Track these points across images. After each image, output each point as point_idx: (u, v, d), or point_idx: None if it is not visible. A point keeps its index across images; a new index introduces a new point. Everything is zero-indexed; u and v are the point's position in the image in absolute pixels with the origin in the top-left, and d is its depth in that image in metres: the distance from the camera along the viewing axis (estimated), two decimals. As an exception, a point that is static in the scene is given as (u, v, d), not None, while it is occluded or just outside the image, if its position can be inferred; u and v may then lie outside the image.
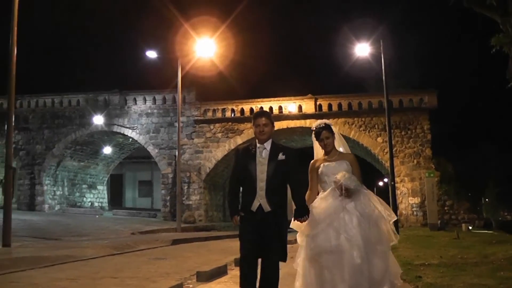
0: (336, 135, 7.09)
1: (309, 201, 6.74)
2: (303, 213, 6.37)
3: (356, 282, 6.09)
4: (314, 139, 7.11)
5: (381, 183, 68.30)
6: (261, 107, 37.95)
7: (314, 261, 6.37)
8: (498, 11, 13.89)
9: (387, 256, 6.44)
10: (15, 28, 18.17)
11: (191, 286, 9.43)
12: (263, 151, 6.48)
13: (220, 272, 11.03)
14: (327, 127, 6.99)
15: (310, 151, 7.42)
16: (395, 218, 6.80)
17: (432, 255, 13.85)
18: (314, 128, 7.07)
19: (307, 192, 6.91)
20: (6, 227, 17.00)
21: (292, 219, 6.51)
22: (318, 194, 6.88)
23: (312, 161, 7.12)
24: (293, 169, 6.56)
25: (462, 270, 10.74)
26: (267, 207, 6.29)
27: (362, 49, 30.22)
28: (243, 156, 6.57)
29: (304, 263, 6.49)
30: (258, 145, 6.53)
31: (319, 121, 7.13)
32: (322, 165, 6.91)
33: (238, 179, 6.60)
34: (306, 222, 6.44)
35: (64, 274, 10.73)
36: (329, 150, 6.96)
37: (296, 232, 6.71)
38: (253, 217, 6.32)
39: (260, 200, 6.31)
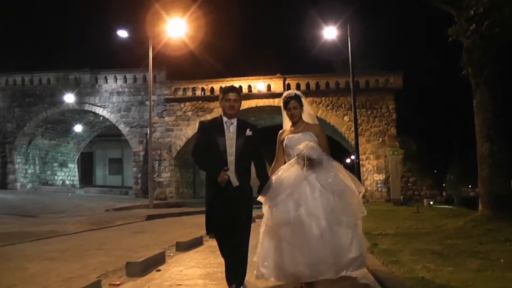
0: (305, 107, 7.01)
1: (273, 172, 6.80)
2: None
3: (317, 255, 6.07)
4: (282, 108, 7.06)
5: (348, 160, 69.56)
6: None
7: (274, 232, 6.36)
8: (453, 5, 14.88)
9: (354, 228, 6.40)
10: None
11: (172, 254, 10.27)
12: (231, 126, 6.51)
13: (196, 243, 11.90)
14: (296, 97, 6.93)
15: (278, 129, 7.37)
16: (363, 190, 6.92)
17: (390, 226, 14.99)
18: (283, 96, 7.02)
19: (273, 163, 6.99)
20: (-13, 205, 17.52)
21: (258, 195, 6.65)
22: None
23: (279, 132, 7.12)
24: (258, 146, 6.68)
25: (414, 238, 11.84)
26: (235, 182, 6.35)
27: (330, 32, 31.22)
28: (211, 130, 6.54)
29: (264, 234, 6.54)
30: (225, 119, 6.55)
31: (289, 91, 7.08)
32: (287, 137, 6.89)
33: (204, 150, 6.55)
34: (267, 192, 6.50)
35: (52, 247, 11.51)
36: (296, 121, 6.92)
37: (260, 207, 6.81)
38: (221, 191, 6.34)
39: (230, 174, 6.33)
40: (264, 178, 6.58)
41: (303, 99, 6.97)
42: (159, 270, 8.28)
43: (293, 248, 6.13)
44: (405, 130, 37.67)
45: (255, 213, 6.90)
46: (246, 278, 6.52)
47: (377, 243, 10.61)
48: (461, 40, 15.02)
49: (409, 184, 35.28)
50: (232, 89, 6.75)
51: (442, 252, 9.28)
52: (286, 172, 6.54)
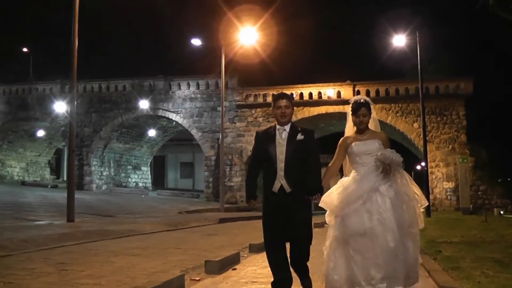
0: (373, 114, 6.81)
1: (329, 174, 6.76)
2: (315, 191, 6.31)
3: (390, 266, 5.91)
4: (349, 113, 6.80)
5: (418, 167, 69.06)
6: (301, 93, 39.35)
7: (345, 243, 6.14)
8: None
9: (418, 239, 6.33)
10: (76, 25, 19.47)
11: (245, 255, 10.91)
12: (283, 133, 6.42)
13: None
14: (367, 104, 6.71)
15: (348, 135, 7.17)
16: (427, 204, 6.67)
17: (455, 234, 15.24)
18: (353, 102, 6.79)
19: (330, 165, 6.83)
20: (70, 205, 18.52)
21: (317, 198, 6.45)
22: (337, 171, 6.85)
23: (343, 137, 6.86)
24: (312, 149, 6.51)
25: (477, 247, 12.11)
26: (287, 188, 6.25)
27: (399, 40, 31.63)
28: (263, 139, 6.54)
29: (333, 245, 6.27)
30: (278, 127, 6.48)
31: (359, 96, 6.92)
32: (353, 144, 6.63)
33: (257, 162, 6.63)
34: (336, 201, 6.28)
35: (133, 245, 12.34)
36: (363, 128, 6.68)
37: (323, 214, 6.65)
38: (275, 199, 6.32)
39: (281, 180, 6.28)
40: (315, 180, 6.38)
41: (371, 106, 6.77)
42: (235, 269, 8.92)
43: (367, 260, 5.96)
44: (476, 137, 37.43)
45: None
46: None
47: (441, 250, 11.00)
48: None
49: (479, 193, 35.06)
50: (282, 96, 6.66)
51: (503, 261, 9.57)
52: (356, 182, 6.32)
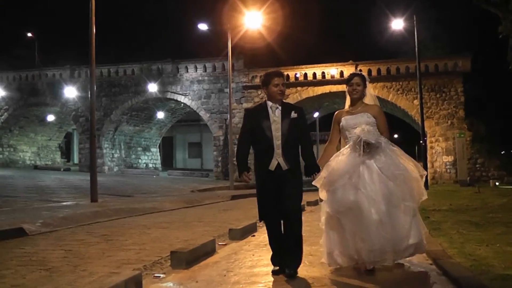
0: (369, 89, 6.97)
1: (326, 153, 6.85)
2: (313, 170, 6.54)
3: (376, 240, 6.03)
4: (346, 88, 7.00)
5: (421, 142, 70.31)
6: (305, 73, 40.73)
7: (335, 219, 6.36)
8: (500, 8, 16.69)
9: (414, 213, 6.38)
10: (93, 13, 20.50)
11: (261, 225, 12.32)
12: (276, 110, 6.45)
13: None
14: (360, 75, 6.94)
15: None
16: (425, 173, 6.80)
17: (445, 204, 16.89)
18: (348, 75, 7.06)
19: (326, 144, 7.05)
20: (93, 186, 19.92)
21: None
22: (336, 147, 6.94)
23: (336, 112, 7.05)
24: (304, 128, 6.63)
25: (462, 213, 13.82)
26: (284, 165, 6.32)
27: (397, 24, 33.37)
28: (256, 116, 6.54)
29: (326, 222, 6.55)
30: (270, 104, 6.52)
31: (355, 71, 7.80)
32: (343, 118, 6.80)
33: (248, 139, 6.59)
34: (325, 177, 6.49)
35: (160, 220, 13.83)
36: (355, 98, 6.84)
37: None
38: (272, 176, 6.36)
39: (278, 158, 6.33)
40: (310, 159, 6.57)
41: (367, 82, 6.95)
42: (253, 236, 10.42)
43: (354, 234, 6.14)
44: (475, 112, 38.61)
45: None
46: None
47: (429, 216, 12.58)
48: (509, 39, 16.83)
49: (477, 166, 36.59)
50: (279, 73, 6.63)
51: (478, 223, 11.19)
52: (343, 157, 6.51)
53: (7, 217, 12.82)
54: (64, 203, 18.76)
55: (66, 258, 7.87)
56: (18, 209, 15.68)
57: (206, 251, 8.04)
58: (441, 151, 37.70)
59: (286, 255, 6.39)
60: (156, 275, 6.64)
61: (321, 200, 6.85)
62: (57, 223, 12.34)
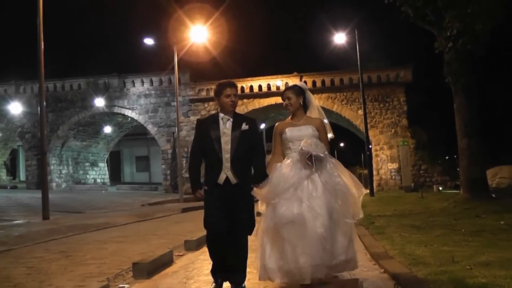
0: (311, 100, 6.84)
1: (270, 166, 6.48)
2: (260, 179, 6.23)
3: (317, 254, 5.86)
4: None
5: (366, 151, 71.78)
6: (251, 85, 41.38)
7: (275, 232, 6.07)
8: (434, 26, 17.74)
9: (351, 230, 6.30)
10: (41, 27, 20.61)
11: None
12: (227, 122, 6.27)
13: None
14: (292, 88, 6.79)
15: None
16: (365, 192, 6.62)
17: (389, 209, 17.72)
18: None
19: (270, 157, 6.71)
20: (44, 204, 19.86)
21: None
22: (282, 159, 6.55)
23: (276, 124, 6.82)
24: (257, 139, 6.48)
25: (405, 217, 14.63)
26: (233, 180, 6.14)
27: (340, 38, 34.41)
28: (206, 128, 6.35)
29: (264, 234, 6.21)
30: (221, 115, 6.34)
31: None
32: (287, 129, 6.56)
33: (200, 151, 6.38)
34: (266, 189, 6.18)
35: (114, 234, 14.11)
36: (292, 112, 6.66)
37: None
38: (220, 190, 6.15)
39: (227, 172, 6.14)
40: (259, 169, 6.33)
41: (306, 92, 6.80)
42: (208, 246, 10.82)
43: (295, 248, 5.92)
44: (417, 121, 39.98)
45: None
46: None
47: (374, 222, 13.29)
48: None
49: (421, 172, 37.86)
50: (231, 84, 6.45)
51: (420, 226, 11.98)
52: (287, 170, 6.25)
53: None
54: (16, 222, 18.76)
55: (30, 275, 8.12)
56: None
57: (164, 261, 8.42)
58: (386, 159, 38.80)
59: (229, 271, 6.24)
60: (120, 285, 6.99)
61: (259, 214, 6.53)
62: (13, 241, 12.51)
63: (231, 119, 6.27)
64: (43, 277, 7.90)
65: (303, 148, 6.18)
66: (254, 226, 6.30)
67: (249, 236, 6.32)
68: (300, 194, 6.06)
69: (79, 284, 7.10)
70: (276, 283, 6.13)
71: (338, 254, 6.02)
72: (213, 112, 33.73)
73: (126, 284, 7.09)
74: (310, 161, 6.14)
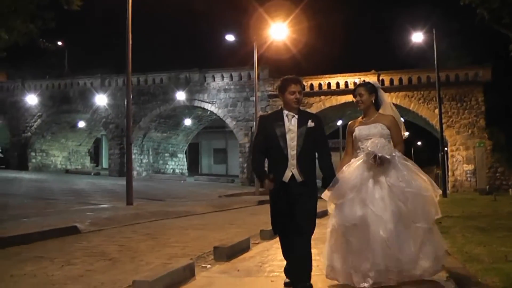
0: (384, 98, 6.65)
1: (342, 165, 6.40)
2: (328, 181, 6.08)
3: (381, 261, 5.74)
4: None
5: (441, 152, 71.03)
6: (329, 82, 41.77)
7: (340, 233, 6.04)
8: (510, 29, 17.87)
9: (427, 234, 6.05)
10: (130, 27, 21.80)
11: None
12: (292, 119, 6.05)
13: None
14: (364, 84, 6.62)
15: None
16: (440, 193, 6.50)
17: (458, 211, 17.84)
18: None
19: (343, 156, 6.66)
20: (129, 190, 21.15)
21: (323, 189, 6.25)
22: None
23: (349, 123, 6.71)
24: (322, 137, 6.25)
25: (472, 219, 14.85)
26: (299, 177, 5.91)
27: (417, 37, 34.65)
28: (271, 124, 6.11)
29: (331, 235, 6.18)
30: (286, 112, 6.11)
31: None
32: (357, 128, 6.43)
33: (263, 148, 6.13)
34: (332, 190, 6.09)
35: (195, 222, 15.06)
36: (363, 109, 6.50)
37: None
38: (285, 189, 5.93)
39: (292, 169, 5.91)
40: (328, 171, 6.12)
41: (379, 90, 6.61)
42: (282, 236, 11.57)
43: (358, 252, 5.84)
44: (496, 121, 39.20)
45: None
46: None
47: (441, 222, 13.61)
48: None
49: (497, 174, 37.32)
50: (295, 80, 6.16)
51: (484, 228, 12.22)
52: (353, 169, 6.17)
53: (58, 217, 14.18)
54: (102, 206, 20.04)
55: (122, 252, 9.12)
56: (62, 211, 17.05)
57: (242, 247, 9.24)
58: (461, 160, 38.44)
59: (297, 270, 5.97)
60: (203, 265, 7.84)
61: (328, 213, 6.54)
62: (103, 223, 13.64)
63: (296, 116, 6.06)
64: (134, 253, 8.89)
65: (369, 149, 6.07)
66: (314, 226, 6.05)
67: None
68: (364, 196, 5.96)
69: (166, 262, 8.00)
70: (341, 283, 6.07)
71: (411, 260, 5.83)
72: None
73: (208, 264, 7.92)
74: (375, 162, 6.00)
